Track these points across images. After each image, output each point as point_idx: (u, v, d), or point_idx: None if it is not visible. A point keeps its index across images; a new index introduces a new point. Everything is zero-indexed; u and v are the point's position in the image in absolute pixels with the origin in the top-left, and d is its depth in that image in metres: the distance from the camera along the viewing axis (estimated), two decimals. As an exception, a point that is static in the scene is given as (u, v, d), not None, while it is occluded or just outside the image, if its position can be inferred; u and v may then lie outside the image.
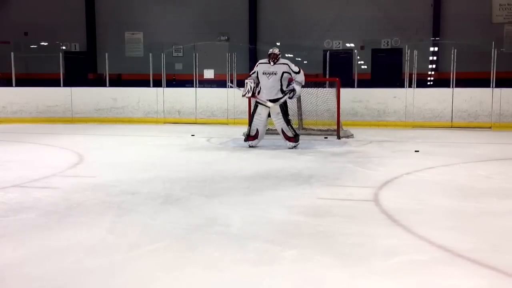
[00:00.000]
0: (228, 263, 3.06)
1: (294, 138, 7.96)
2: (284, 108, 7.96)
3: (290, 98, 8.00)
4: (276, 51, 7.92)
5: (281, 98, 7.84)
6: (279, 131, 8.02)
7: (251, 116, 8.12)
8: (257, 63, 8.17)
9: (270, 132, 8.66)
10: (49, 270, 2.94)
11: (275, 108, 7.88)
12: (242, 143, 8.20)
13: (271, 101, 7.85)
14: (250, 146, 8.00)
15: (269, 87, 7.84)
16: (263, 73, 7.90)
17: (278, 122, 7.95)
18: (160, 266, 3.00)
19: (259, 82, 7.95)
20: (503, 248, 3.34)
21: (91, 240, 3.47)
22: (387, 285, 2.75)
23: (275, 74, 7.84)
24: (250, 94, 7.87)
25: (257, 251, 3.25)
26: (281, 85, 7.85)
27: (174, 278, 2.84)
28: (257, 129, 7.99)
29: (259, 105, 7.96)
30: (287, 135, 7.95)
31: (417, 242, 3.44)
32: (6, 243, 3.43)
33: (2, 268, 2.97)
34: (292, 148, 7.86)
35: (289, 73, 7.86)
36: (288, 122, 7.97)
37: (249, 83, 7.86)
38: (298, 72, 7.88)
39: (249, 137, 8.08)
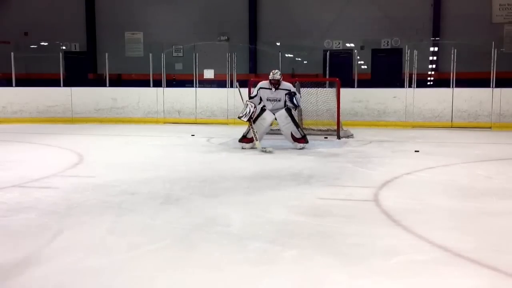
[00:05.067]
0: (228, 263, 3.06)
1: (304, 139, 7.94)
2: (290, 111, 7.93)
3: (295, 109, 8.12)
4: (277, 76, 7.80)
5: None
6: (287, 134, 7.92)
7: (255, 119, 7.91)
8: (258, 86, 8.03)
9: (270, 132, 8.65)
10: (49, 270, 2.94)
11: (282, 113, 7.86)
12: (243, 143, 8.17)
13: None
14: (242, 148, 7.90)
15: (274, 110, 7.91)
16: (267, 99, 7.92)
17: (288, 126, 7.86)
18: (160, 266, 3.00)
19: (260, 101, 7.96)
20: (503, 248, 3.34)
21: (91, 240, 3.47)
22: (387, 285, 2.75)
23: (279, 100, 7.87)
24: (246, 119, 7.79)
25: (257, 251, 3.24)
26: (285, 104, 7.93)
27: (174, 278, 2.84)
28: (256, 132, 7.88)
29: (266, 110, 7.91)
30: (295, 137, 7.89)
31: (417, 242, 3.44)
32: (6, 243, 3.43)
33: (2, 268, 2.97)
34: (301, 148, 7.81)
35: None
36: (297, 124, 7.98)
37: (250, 106, 7.81)
38: (295, 94, 7.95)
39: (244, 138, 7.99)
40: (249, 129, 7.92)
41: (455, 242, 3.37)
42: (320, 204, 4.46)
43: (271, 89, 7.85)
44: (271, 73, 7.87)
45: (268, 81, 7.90)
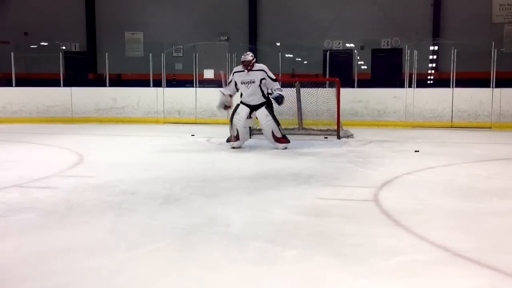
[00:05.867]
0: (228, 263, 3.06)
1: (285, 139, 7.90)
2: (271, 109, 7.89)
3: (279, 104, 7.85)
4: (249, 57, 7.75)
5: (264, 102, 7.81)
6: (268, 133, 7.87)
7: (231, 116, 7.96)
8: (232, 72, 8.04)
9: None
10: (49, 270, 2.94)
11: (262, 111, 7.81)
12: (231, 143, 8.12)
13: (255, 106, 7.82)
14: (232, 148, 7.87)
15: (250, 95, 7.81)
16: (242, 83, 7.83)
17: (268, 123, 7.80)
18: (160, 266, 3.00)
19: (237, 90, 7.95)
20: (503, 248, 3.34)
21: (91, 240, 3.47)
22: (387, 285, 2.75)
23: (253, 82, 7.75)
24: (220, 107, 7.98)
25: (257, 251, 3.24)
26: (262, 91, 7.80)
27: (174, 278, 2.84)
28: (237, 129, 7.86)
29: (240, 104, 7.89)
30: (276, 137, 7.84)
31: (417, 242, 3.44)
32: (6, 243, 3.43)
33: (2, 268, 2.97)
34: (284, 149, 7.75)
35: (266, 79, 7.76)
36: (278, 122, 7.89)
37: (221, 94, 7.89)
38: (275, 81, 7.81)
39: (231, 137, 7.99)
40: (231, 129, 7.91)
41: (455, 242, 3.37)
42: (320, 204, 4.46)
43: (244, 71, 7.78)
44: (243, 56, 7.84)
45: (241, 65, 7.87)
